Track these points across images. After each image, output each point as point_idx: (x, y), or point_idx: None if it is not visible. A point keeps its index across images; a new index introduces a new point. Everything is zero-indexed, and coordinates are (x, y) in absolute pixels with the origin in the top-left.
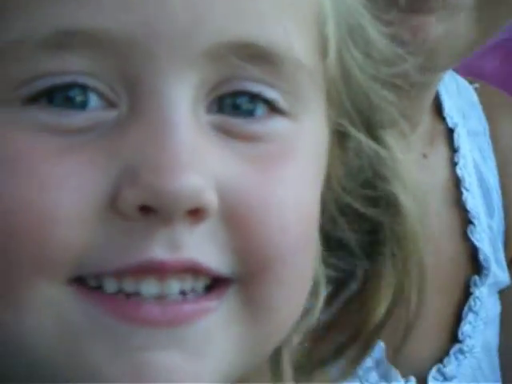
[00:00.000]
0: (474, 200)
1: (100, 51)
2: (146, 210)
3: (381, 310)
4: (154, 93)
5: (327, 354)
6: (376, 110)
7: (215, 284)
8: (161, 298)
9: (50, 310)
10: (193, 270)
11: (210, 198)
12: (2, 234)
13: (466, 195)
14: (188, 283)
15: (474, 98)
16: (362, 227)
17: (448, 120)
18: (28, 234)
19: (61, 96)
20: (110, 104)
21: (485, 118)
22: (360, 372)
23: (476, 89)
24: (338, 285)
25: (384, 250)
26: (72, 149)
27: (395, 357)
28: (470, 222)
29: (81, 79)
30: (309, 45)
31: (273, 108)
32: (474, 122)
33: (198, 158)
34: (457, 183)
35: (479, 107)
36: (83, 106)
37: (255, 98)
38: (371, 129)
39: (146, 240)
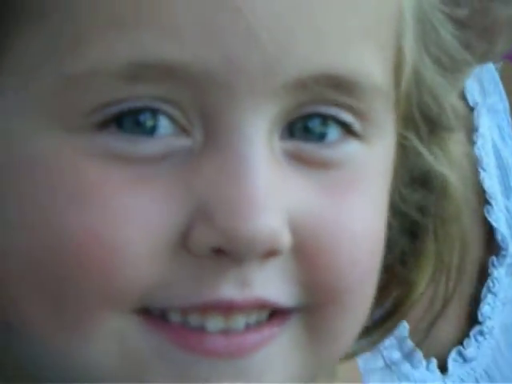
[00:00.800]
0: (491, 180)
1: (175, 82)
2: (218, 250)
3: (422, 285)
4: (231, 127)
5: (364, 327)
6: (444, 117)
7: (278, 311)
8: (225, 330)
9: (115, 338)
10: (261, 307)
11: (285, 240)
12: (69, 266)
13: (483, 175)
14: (253, 317)
15: (496, 75)
16: (406, 206)
17: (469, 98)
18: (97, 267)
19: (131, 120)
20: (183, 130)
21: (506, 96)
22: (384, 351)
23: (497, 68)
24: None
25: (427, 226)
26: (144, 180)
27: (425, 334)
28: (487, 203)
29: (152, 104)
30: (386, 64)
31: (347, 131)
32: (494, 99)
33: (274, 196)
34: (477, 161)
35: (501, 85)
36: (154, 131)
37: (327, 120)
38: (436, 135)
39: (216, 279)
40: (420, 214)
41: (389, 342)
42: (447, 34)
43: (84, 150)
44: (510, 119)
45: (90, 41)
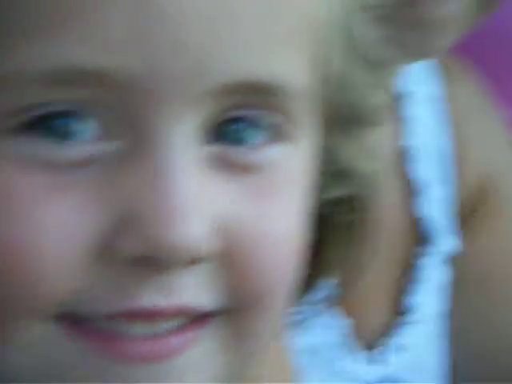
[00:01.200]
0: (425, 169)
1: (100, 88)
2: (141, 259)
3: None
4: (155, 134)
5: None
6: (368, 114)
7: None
8: (149, 335)
9: (36, 346)
10: (184, 313)
11: (210, 248)
12: None
13: (415, 165)
14: (176, 321)
15: (432, 61)
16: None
17: (402, 87)
18: (17, 277)
19: (53, 124)
20: (107, 136)
21: (442, 82)
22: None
23: None
24: None
25: (338, 215)
26: (66, 187)
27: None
28: (418, 192)
29: (76, 107)
30: (310, 68)
31: (272, 133)
32: (431, 85)
33: (197, 204)
34: (404, 152)
35: (437, 71)
36: (77, 135)
37: (252, 123)
38: (359, 131)
39: (139, 287)
40: (334, 206)
41: (330, 338)
42: (372, 33)
43: (5, 155)
44: (446, 104)
45: (13, 44)
